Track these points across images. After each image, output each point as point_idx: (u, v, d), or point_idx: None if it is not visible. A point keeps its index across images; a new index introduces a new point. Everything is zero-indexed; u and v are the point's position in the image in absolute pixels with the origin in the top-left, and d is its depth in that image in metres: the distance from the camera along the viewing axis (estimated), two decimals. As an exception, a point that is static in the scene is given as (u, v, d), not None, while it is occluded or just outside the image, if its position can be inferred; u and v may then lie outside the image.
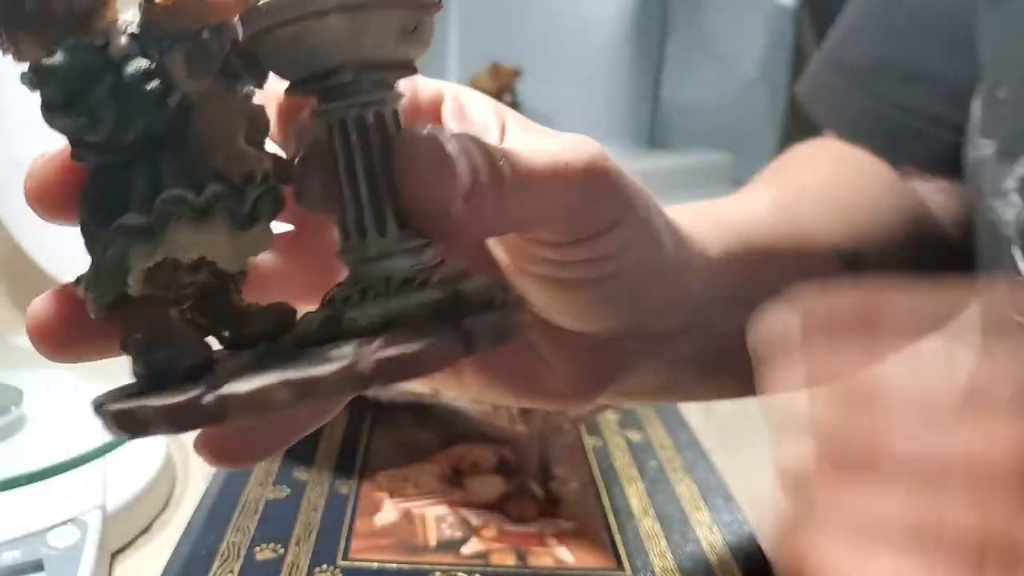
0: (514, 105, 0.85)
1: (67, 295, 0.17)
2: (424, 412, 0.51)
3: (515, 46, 0.97)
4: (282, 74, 0.16)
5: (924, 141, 0.44)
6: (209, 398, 0.15)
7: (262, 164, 0.16)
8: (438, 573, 0.38)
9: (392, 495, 0.44)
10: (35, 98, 0.16)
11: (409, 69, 0.17)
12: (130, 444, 0.41)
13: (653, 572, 0.38)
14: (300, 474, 0.45)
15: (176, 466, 0.48)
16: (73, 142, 0.16)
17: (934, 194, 0.44)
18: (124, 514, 0.41)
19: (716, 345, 0.27)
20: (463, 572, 0.38)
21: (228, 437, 0.17)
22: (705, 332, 0.26)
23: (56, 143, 0.16)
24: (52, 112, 0.15)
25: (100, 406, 0.17)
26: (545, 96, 1.03)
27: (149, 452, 0.45)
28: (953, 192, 0.43)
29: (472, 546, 0.40)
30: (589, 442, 0.51)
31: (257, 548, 0.38)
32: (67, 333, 0.17)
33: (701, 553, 0.40)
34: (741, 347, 0.21)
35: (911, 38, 0.43)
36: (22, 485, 0.36)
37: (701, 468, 0.48)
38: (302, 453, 0.47)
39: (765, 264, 0.28)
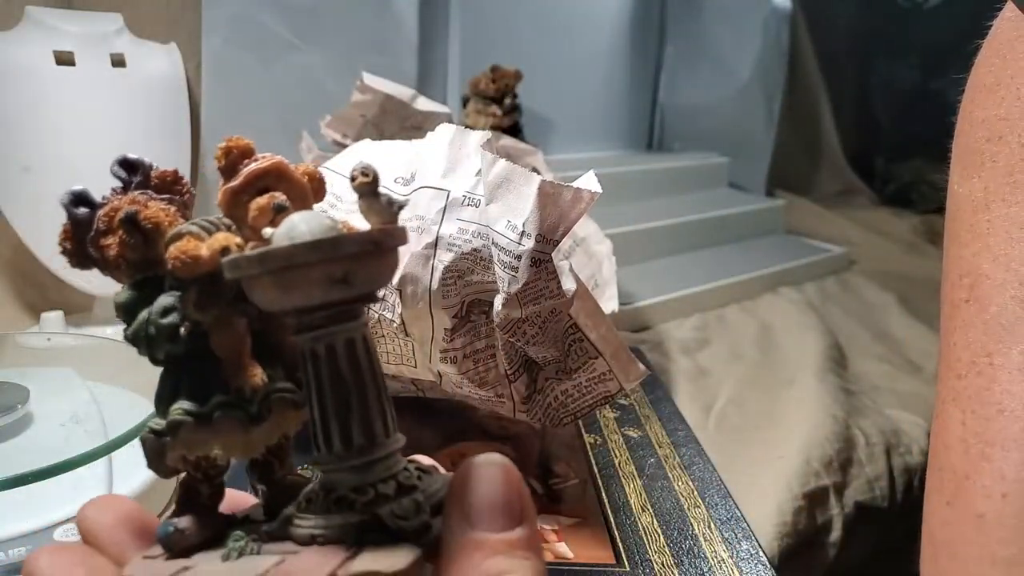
0: (515, 108, 0.86)
1: None
2: (425, 409, 0.52)
3: (515, 50, 0.98)
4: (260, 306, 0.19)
5: None
6: None
7: (259, 377, 0.19)
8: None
9: (394, 492, 0.44)
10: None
11: (357, 302, 0.18)
12: (136, 441, 0.41)
13: (651, 567, 0.39)
14: (302, 471, 0.45)
15: (180, 464, 0.48)
16: None
17: None
18: (130, 511, 0.41)
19: None
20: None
21: None
22: None
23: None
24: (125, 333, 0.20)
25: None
26: (544, 99, 1.04)
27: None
28: None
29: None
30: (588, 439, 0.52)
31: (261, 543, 0.38)
32: None
33: (699, 549, 0.40)
34: None
35: None
36: (28, 483, 0.37)
37: (699, 465, 0.49)
38: (303, 449, 0.47)
39: None
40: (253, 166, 0.19)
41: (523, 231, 0.36)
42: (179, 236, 0.19)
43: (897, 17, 1.54)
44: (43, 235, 0.66)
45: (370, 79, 0.65)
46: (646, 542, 0.41)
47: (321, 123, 0.67)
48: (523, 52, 0.97)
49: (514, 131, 0.85)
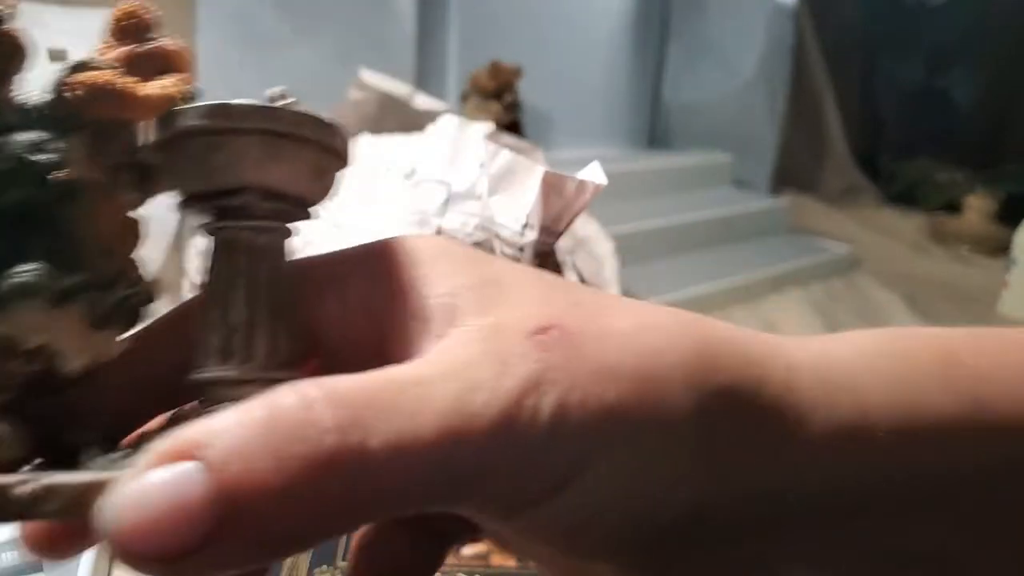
0: (515, 105, 0.85)
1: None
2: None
3: (515, 45, 0.97)
4: (184, 184, 0.16)
5: None
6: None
7: (135, 270, 0.15)
8: (438, 573, 0.37)
9: (392, 495, 0.43)
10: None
11: (307, 212, 0.16)
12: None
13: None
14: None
15: (174, 467, 0.48)
16: None
17: None
18: (121, 515, 0.40)
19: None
20: (463, 572, 0.37)
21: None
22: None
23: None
24: None
25: None
26: (545, 96, 1.03)
27: (147, 452, 0.44)
28: None
29: (472, 546, 0.39)
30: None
31: (256, 548, 0.37)
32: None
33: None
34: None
35: None
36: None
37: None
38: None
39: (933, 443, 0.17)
40: (166, 43, 0.16)
41: (526, 223, 0.35)
42: (87, 65, 0.15)
43: (903, 15, 1.53)
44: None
45: (368, 76, 0.64)
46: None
47: (319, 120, 0.66)
48: (524, 48, 0.97)
49: (514, 128, 0.84)
